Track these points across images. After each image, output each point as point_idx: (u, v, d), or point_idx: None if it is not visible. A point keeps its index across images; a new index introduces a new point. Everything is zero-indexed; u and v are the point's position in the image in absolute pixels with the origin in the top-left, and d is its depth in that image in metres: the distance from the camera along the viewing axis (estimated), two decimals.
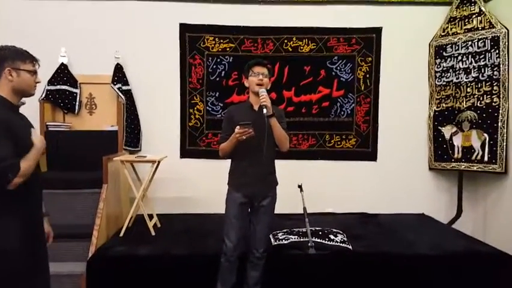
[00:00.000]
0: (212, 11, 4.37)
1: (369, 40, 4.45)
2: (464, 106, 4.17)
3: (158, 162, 3.69)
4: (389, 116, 4.49)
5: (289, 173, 4.08)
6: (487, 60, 4.02)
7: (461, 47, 4.20)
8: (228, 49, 4.39)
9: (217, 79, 4.41)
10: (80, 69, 4.29)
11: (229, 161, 2.81)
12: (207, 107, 4.42)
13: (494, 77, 3.97)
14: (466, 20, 4.17)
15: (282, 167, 4.27)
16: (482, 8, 4.05)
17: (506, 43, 3.89)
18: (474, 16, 4.11)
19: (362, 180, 4.50)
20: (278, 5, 4.39)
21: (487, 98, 4.03)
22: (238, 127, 2.46)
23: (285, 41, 4.41)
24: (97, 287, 3.02)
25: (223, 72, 4.40)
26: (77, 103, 4.27)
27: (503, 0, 4.05)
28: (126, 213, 3.77)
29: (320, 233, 3.37)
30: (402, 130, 4.49)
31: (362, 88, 4.48)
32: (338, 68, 4.45)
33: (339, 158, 4.49)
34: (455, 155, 4.25)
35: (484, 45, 4.03)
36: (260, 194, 2.72)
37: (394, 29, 4.43)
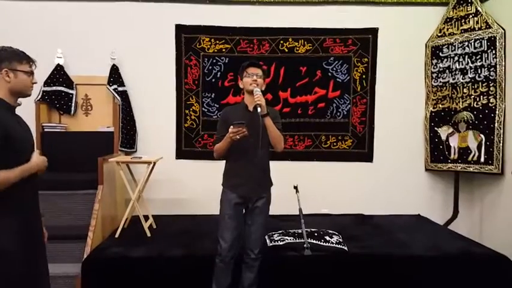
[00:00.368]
0: (208, 12, 4.36)
1: (365, 41, 4.44)
2: (461, 107, 4.17)
3: (154, 163, 3.69)
4: (385, 117, 4.49)
5: (285, 174, 4.08)
6: (484, 60, 4.02)
7: (458, 48, 4.19)
8: (223, 50, 4.39)
9: (213, 80, 4.40)
10: (76, 70, 4.29)
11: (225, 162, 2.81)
12: (203, 108, 4.42)
13: (490, 77, 3.96)
14: (463, 20, 4.17)
15: (278, 167, 4.28)
16: (479, 9, 4.05)
17: (503, 43, 3.89)
18: (470, 16, 4.11)
19: (358, 181, 4.49)
20: (274, 5, 4.39)
21: (483, 99, 4.02)
22: (232, 127, 2.47)
23: (281, 41, 4.41)
24: None
25: (219, 73, 4.39)
26: (73, 104, 4.27)
27: (499, 1, 4.04)
28: (121, 215, 3.76)
29: (316, 234, 3.37)
30: (399, 131, 4.48)
31: (358, 89, 4.48)
32: (334, 68, 4.45)
33: (335, 159, 4.49)
34: (452, 156, 4.25)
35: (481, 46, 4.03)
36: (255, 195, 2.72)
37: (390, 30, 4.43)
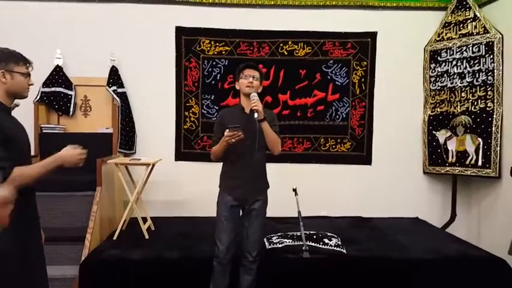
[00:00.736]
0: (208, 14, 4.37)
1: (364, 44, 4.46)
2: (459, 111, 4.19)
3: (153, 165, 3.69)
4: (383, 120, 4.50)
5: (284, 177, 4.10)
6: (482, 65, 4.04)
7: (456, 52, 4.22)
8: (223, 52, 4.39)
9: (213, 82, 4.41)
10: (75, 71, 4.28)
11: None
12: (202, 110, 4.42)
13: (488, 82, 3.99)
14: (461, 25, 4.19)
15: (276, 170, 4.29)
16: (477, 13, 4.07)
17: (501, 48, 3.92)
18: (469, 21, 4.13)
19: (356, 184, 4.51)
20: (274, 8, 4.40)
21: (481, 103, 4.05)
22: (227, 130, 2.47)
23: (281, 44, 4.42)
24: None
25: (218, 75, 4.40)
26: (71, 105, 4.26)
27: (498, 6, 4.07)
28: (120, 216, 3.75)
29: (314, 236, 3.37)
30: (397, 134, 4.50)
31: (357, 92, 4.49)
32: (333, 71, 4.47)
33: (334, 162, 4.50)
34: (449, 160, 4.27)
35: (479, 50, 4.06)
36: (251, 197, 2.71)
37: (389, 34, 4.45)
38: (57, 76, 4.19)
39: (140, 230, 3.56)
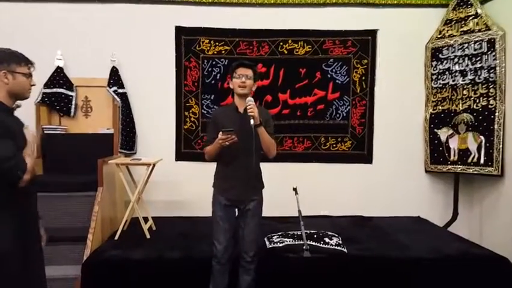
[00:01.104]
0: (207, 13, 4.37)
1: (364, 42, 4.45)
2: (461, 108, 4.16)
3: (154, 165, 3.70)
4: (384, 118, 4.49)
5: (284, 176, 4.11)
6: (483, 62, 4.01)
7: (458, 49, 4.19)
8: (223, 52, 4.39)
9: (213, 82, 4.41)
10: (76, 72, 4.29)
11: None
12: (202, 110, 4.42)
13: (490, 79, 3.96)
14: (462, 22, 4.17)
15: (277, 169, 4.31)
16: (479, 10, 4.04)
17: (503, 45, 3.88)
18: (470, 18, 4.10)
19: (357, 183, 4.49)
20: (273, 7, 4.39)
21: (483, 101, 4.02)
22: (221, 133, 2.44)
23: (281, 43, 4.41)
24: None
25: (218, 75, 4.39)
26: (73, 106, 4.27)
27: (499, 2, 4.04)
28: (121, 216, 3.76)
29: (315, 236, 3.37)
30: (398, 133, 4.48)
31: (358, 90, 4.48)
32: (334, 70, 4.45)
33: (334, 161, 4.49)
34: (451, 158, 4.24)
35: (481, 48, 4.03)
36: (245, 198, 2.69)
37: (390, 31, 4.43)
38: (58, 77, 4.20)
39: (142, 230, 3.57)
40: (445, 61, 4.29)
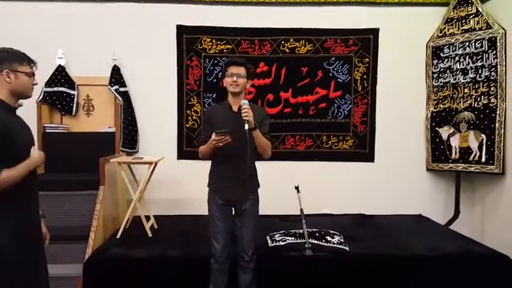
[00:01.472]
0: (209, 12, 4.37)
1: (366, 41, 4.45)
2: (462, 107, 4.17)
3: (155, 163, 3.70)
4: (386, 117, 4.49)
5: (286, 174, 4.12)
6: (484, 61, 4.02)
7: (459, 48, 4.20)
8: (225, 50, 4.39)
9: (214, 80, 4.41)
10: (77, 71, 4.29)
11: None
12: (204, 109, 4.41)
13: (491, 77, 3.97)
14: (463, 20, 4.17)
15: (278, 168, 4.33)
16: (480, 9, 4.05)
17: (504, 44, 3.89)
18: (471, 17, 4.11)
19: (359, 181, 4.50)
20: (275, 6, 4.39)
21: (484, 99, 4.02)
22: (214, 134, 2.42)
23: (282, 42, 4.41)
24: None
25: (220, 74, 4.38)
26: (74, 105, 4.27)
27: (500, 1, 4.04)
28: (123, 215, 3.77)
29: (317, 234, 3.37)
30: (400, 131, 4.49)
31: (359, 89, 4.48)
32: (335, 69, 4.45)
33: (336, 159, 4.49)
34: (453, 156, 4.25)
35: (481, 46, 4.03)
36: (240, 198, 2.67)
37: (391, 30, 4.43)
38: (60, 76, 4.20)
39: (144, 229, 3.57)
40: (446, 59, 4.30)
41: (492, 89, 3.96)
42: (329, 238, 3.30)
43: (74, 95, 4.26)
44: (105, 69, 4.22)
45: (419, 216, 4.42)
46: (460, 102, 4.19)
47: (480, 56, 4.04)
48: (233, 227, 2.74)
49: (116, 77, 4.22)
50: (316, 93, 4.45)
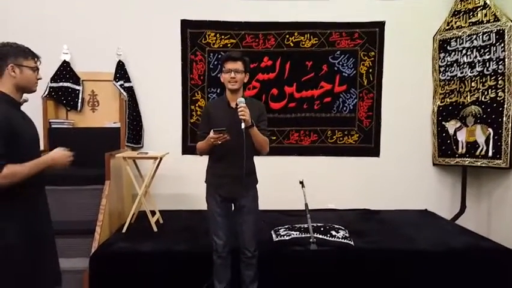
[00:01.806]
0: (213, 6, 4.35)
1: (372, 34, 4.41)
2: (469, 101, 4.13)
3: (160, 158, 3.70)
4: (392, 111, 4.46)
5: (291, 169, 4.12)
6: (492, 54, 3.97)
7: (466, 41, 4.15)
8: (229, 45, 4.37)
9: (219, 75, 4.37)
10: (82, 66, 4.30)
11: None
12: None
13: (499, 71, 3.92)
14: (471, 13, 4.12)
15: (283, 163, 4.32)
16: (487, 1, 3.99)
17: None
18: (479, 9, 4.05)
19: (364, 176, 4.48)
20: (279, 0, 4.35)
21: (491, 93, 3.98)
22: (212, 132, 2.40)
23: (287, 36, 4.38)
24: (100, 283, 3.04)
25: None
26: (79, 100, 4.29)
27: None
28: (128, 210, 3.79)
29: (322, 229, 3.36)
30: (406, 125, 4.45)
31: (365, 83, 4.45)
32: (340, 63, 4.42)
33: (341, 154, 4.47)
34: (459, 151, 4.21)
35: (489, 39, 3.98)
36: (238, 195, 2.66)
37: (397, 23, 4.39)
38: (65, 71, 4.22)
39: (149, 223, 3.59)
40: (453, 53, 4.25)
41: (500, 82, 3.92)
42: (333, 233, 3.30)
43: (79, 90, 4.28)
44: (110, 64, 4.22)
45: (425, 211, 4.40)
46: (467, 96, 4.14)
47: (488, 49, 4.00)
48: (234, 223, 2.73)
49: (121, 72, 4.23)
50: (321, 87, 4.43)
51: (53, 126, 4.17)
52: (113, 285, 3.08)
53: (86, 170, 3.87)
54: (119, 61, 4.24)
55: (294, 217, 3.82)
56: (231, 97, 2.63)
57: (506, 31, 3.86)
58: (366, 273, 3.11)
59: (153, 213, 3.77)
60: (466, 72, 4.15)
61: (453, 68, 4.25)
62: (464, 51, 4.17)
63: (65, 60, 4.22)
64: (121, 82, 4.18)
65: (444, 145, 4.33)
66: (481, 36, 4.04)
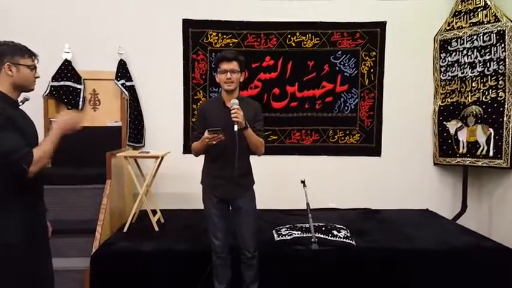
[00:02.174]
0: (215, 6, 4.35)
1: (373, 34, 4.41)
2: (469, 101, 4.13)
3: (162, 157, 3.70)
4: (393, 111, 4.46)
5: (292, 169, 4.12)
6: (493, 54, 3.97)
7: (466, 41, 4.15)
8: (231, 44, 4.37)
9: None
10: (83, 65, 4.29)
11: None
12: None
13: (499, 71, 3.92)
14: (471, 13, 4.12)
15: (285, 162, 4.33)
16: (488, 2, 3.99)
17: None
18: (479, 10, 4.06)
19: (365, 176, 4.48)
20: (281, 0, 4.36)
21: (492, 93, 3.98)
22: (207, 132, 2.38)
23: (289, 36, 4.38)
24: (101, 282, 3.04)
25: None
26: (81, 99, 4.28)
27: None
28: (130, 209, 3.79)
29: (323, 228, 3.36)
30: (407, 125, 4.46)
31: (366, 83, 4.45)
32: (342, 62, 4.42)
33: (342, 154, 4.47)
34: (460, 150, 4.22)
35: (490, 39, 3.98)
36: (233, 196, 2.65)
37: (398, 23, 4.39)
38: (66, 70, 4.21)
39: (150, 223, 3.58)
40: (454, 53, 4.26)
41: (500, 82, 3.92)
42: (335, 232, 3.29)
43: (80, 89, 4.27)
44: (111, 63, 4.22)
45: (426, 211, 4.40)
46: (468, 96, 4.15)
47: (488, 50, 4.00)
48: (232, 223, 2.72)
49: (123, 71, 4.22)
50: (323, 87, 4.43)
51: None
52: (114, 285, 3.08)
53: (87, 169, 3.88)
54: (121, 60, 4.24)
55: (295, 216, 3.81)
56: (226, 97, 2.60)
57: (506, 31, 3.86)
58: (368, 273, 3.11)
59: (154, 212, 3.77)
60: (466, 73, 4.16)
61: (454, 68, 4.26)
62: (464, 52, 4.17)
63: (66, 59, 4.21)
64: (123, 81, 4.18)
65: (445, 145, 4.34)
66: (481, 37, 4.04)
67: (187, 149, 4.43)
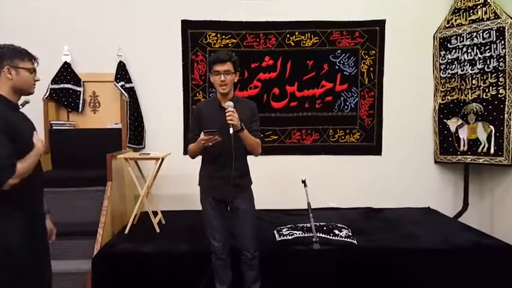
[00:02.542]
0: (214, 6, 4.35)
1: (372, 33, 4.40)
2: (470, 98, 4.12)
3: (162, 159, 3.69)
4: (393, 109, 4.45)
5: (293, 168, 4.12)
6: (492, 51, 3.96)
7: (466, 39, 4.14)
8: (230, 45, 4.36)
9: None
10: (83, 67, 4.29)
11: None
12: None
13: (499, 68, 3.91)
14: (471, 11, 4.11)
15: (285, 162, 4.32)
16: None
17: None
18: (479, 7, 4.05)
19: (366, 175, 4.47)
20: None
21: (492, 90, 3.97)
22: (203, 134, 2.36)
23: (288, 35, 4.38)
24: (103, 284, 3.04)
25: None
26: (80, 101, 4.28)
27: None
28: (131, 211, 3.79)
29: (325, 228, 3.36)
30: (407, 123, 4.45)
31: (366, 82, 4.44)
32: (341, 61, 4.42)
33: (343, 153, 4.47)
34: (461, 148, 4.21)
35: (489, 36, 3.97)
36: (231, 197, 2.63)
37: (398, 21, 4.38)
38: (66, 73, 4.21)
39: (151, 224, 3.59)
40: (454, 50, 4.25)
41: (500, 79, 3.91)
42: (336, 232, 3.29)
43: (80, 91, 4.27)
44: (111, 65, 4.21)
45: (428, 209, 4.40)
46: (468, 93, 4.14)
47: (488, 47, 3.99)
48: (231, 224, 2.71)
49: (122, 73, 4.22)
50: (323, 86, 4.42)
51: (54, 127, 4.17)
52: (116, 287, 3.08)
53: (87, 171, 3.88)
54: (120, 62, 4.24)
55: (296, 216, 3.82)
56: (222, 98, 2.60)
57: (506, 28, 3.85)
58: (370, 272, 3.10)
59: (155, 214, 3.77)
60: (466, 70, 4.15)
61: (454, 66, 4.25)
62: (464, 49, 4.16)
63: (65, 62, 4.21)
64: (122, 83, 4.18)
65: (446, 143, 4.33)
66: (481, 34, 4.03)
67: (187, 150, 4.40)
